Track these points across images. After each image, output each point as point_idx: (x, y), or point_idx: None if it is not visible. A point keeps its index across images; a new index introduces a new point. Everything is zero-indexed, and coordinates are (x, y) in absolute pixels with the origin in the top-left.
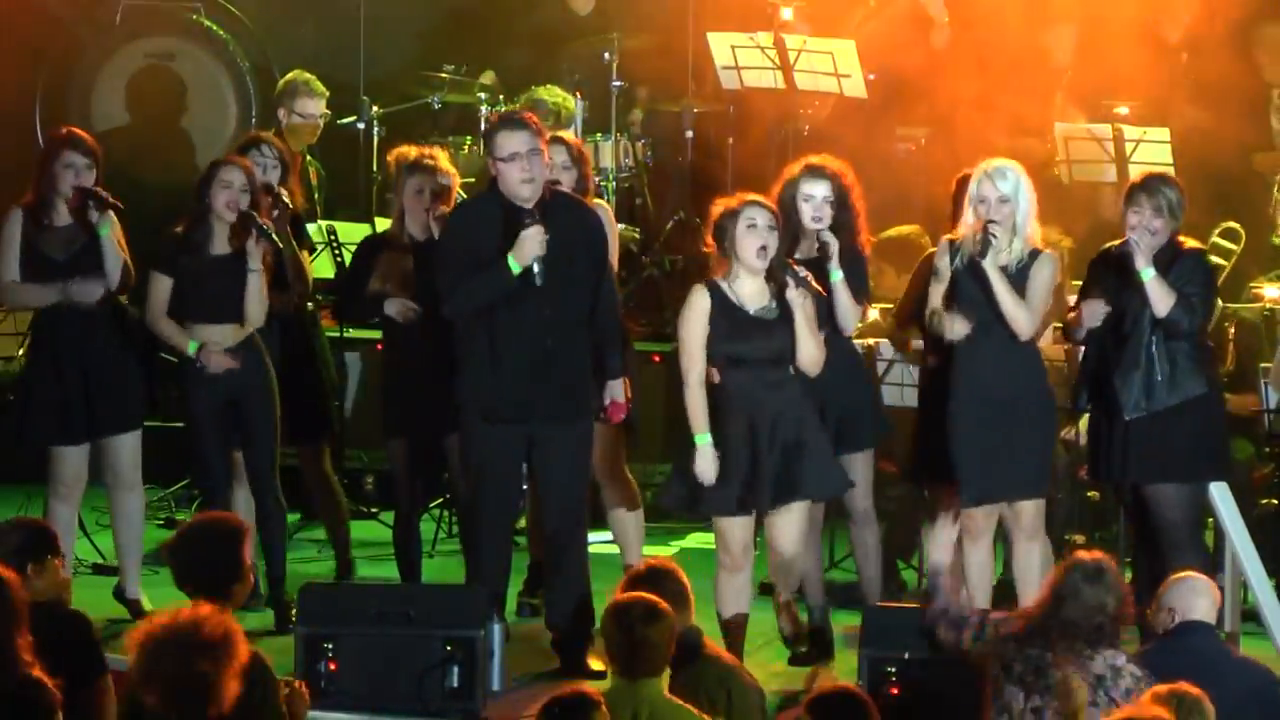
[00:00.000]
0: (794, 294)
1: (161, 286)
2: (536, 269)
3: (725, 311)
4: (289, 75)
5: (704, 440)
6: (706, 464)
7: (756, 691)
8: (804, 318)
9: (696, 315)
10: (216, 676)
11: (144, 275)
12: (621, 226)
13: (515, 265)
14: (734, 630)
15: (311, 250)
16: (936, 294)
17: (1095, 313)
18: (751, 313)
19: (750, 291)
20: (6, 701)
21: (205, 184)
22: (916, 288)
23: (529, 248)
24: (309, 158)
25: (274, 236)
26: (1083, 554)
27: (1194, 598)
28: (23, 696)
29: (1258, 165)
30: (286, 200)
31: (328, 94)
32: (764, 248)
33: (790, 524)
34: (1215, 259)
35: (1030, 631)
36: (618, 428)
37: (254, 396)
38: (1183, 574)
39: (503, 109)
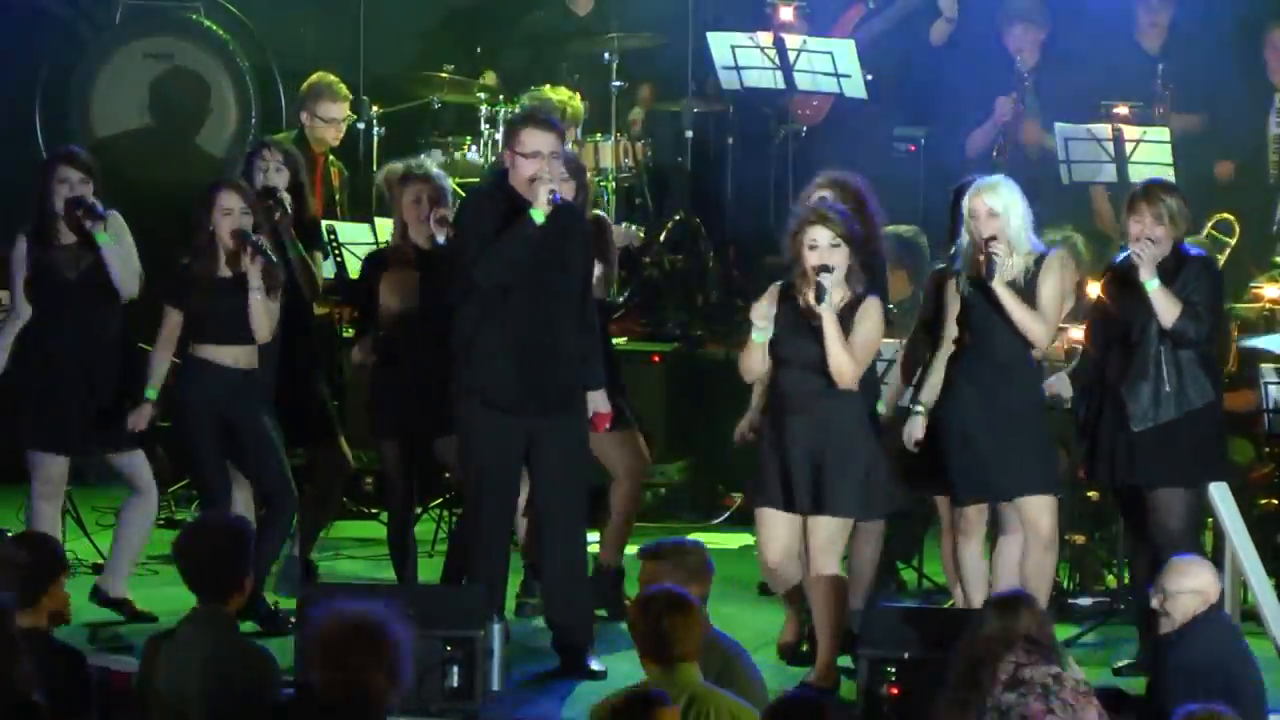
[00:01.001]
0: (811, 301)
1: (170, 319)
2: (556, 196)
3: (787, 311)
4: (312, 77)
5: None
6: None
7: (760, 682)
8: (826, 324)
9: (766, 297)
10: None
11: (141, 296)
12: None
13: (537, 213)
14: None
15: (326, 255)
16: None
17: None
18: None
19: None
20: None
21: (205, 210)
22: (923, 327)
23: (542, 191)
24: (331, 158)
25: (269, 253)
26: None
27: (1213, 578)
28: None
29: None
30: (287, 205)
31: (351, 97)
32: (823, 266)
33: (815, 534)
34: (1212, 250)
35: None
36: (636, 434)
37: (243, 425)
38: (1187, 560)
39: (502, 109)
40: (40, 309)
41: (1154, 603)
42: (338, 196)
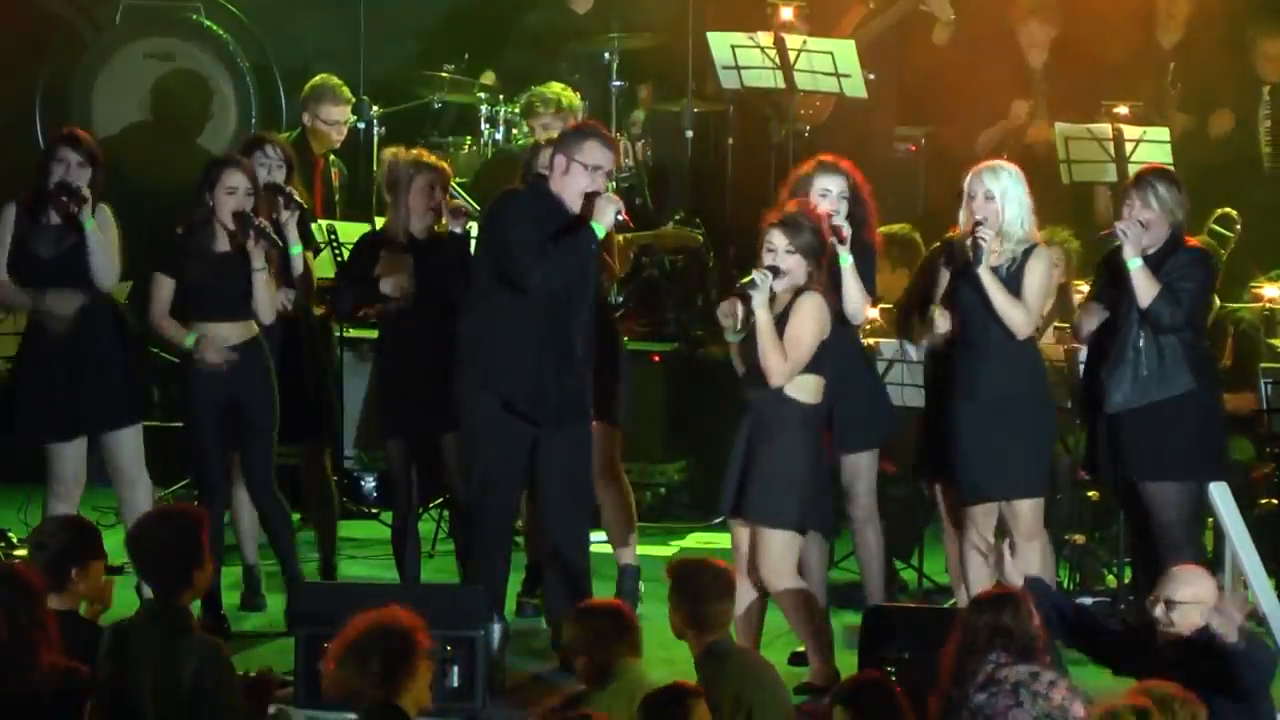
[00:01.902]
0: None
1: (164, 287)
2: (620, 218)
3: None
4: (315, 79)
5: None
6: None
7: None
8: (759, 328)
9: (732, 295)
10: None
11: (147, 275)
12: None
13: (600, 228)
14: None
15: (317, 252)
16: (938, 293)
17: (1093, 317)
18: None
19: None
20: (35, 694)
21: (208, 186)
22: (918, 284)
23: (609, 209)
24: (332, 158)
25: (272, 235)
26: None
27: (1214, 585)
28: (57, 684)
29: None
30: (299, 200)
31: (353, 100)
32: (773, 267)
33: (757, 549)
34: (1215, 247)
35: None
36: (612, 429)
37: (252, 396)
38: (1187, 568)
39: (503, 109)
40: (17, 284)
41: (1156, 612)
42: (337, 197)
